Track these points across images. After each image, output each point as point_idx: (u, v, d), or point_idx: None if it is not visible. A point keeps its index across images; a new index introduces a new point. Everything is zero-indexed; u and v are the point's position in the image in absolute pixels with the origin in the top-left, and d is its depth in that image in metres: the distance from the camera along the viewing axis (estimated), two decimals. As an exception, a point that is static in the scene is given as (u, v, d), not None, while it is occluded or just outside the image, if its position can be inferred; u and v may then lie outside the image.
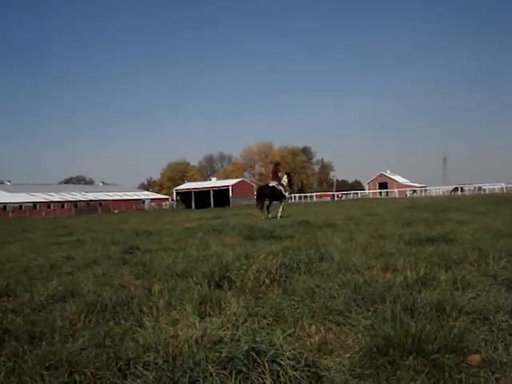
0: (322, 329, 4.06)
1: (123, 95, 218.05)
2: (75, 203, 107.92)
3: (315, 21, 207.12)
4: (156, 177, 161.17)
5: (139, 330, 4.32)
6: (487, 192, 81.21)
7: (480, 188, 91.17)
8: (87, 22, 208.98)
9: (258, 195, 26.60)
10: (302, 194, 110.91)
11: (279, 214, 24.19)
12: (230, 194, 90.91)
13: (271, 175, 27.62)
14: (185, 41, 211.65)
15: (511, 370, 3.14)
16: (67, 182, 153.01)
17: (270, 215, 24.36)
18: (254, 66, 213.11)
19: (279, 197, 25.68)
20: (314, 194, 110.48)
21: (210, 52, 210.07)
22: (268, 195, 25.61)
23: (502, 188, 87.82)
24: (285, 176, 26.94)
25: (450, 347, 3.42)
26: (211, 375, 3.01)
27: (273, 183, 25.84)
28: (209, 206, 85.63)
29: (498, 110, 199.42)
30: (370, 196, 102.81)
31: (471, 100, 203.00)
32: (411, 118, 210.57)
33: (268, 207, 25.36)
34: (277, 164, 29.61)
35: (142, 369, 3.27)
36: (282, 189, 25.83)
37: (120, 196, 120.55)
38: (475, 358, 3.33)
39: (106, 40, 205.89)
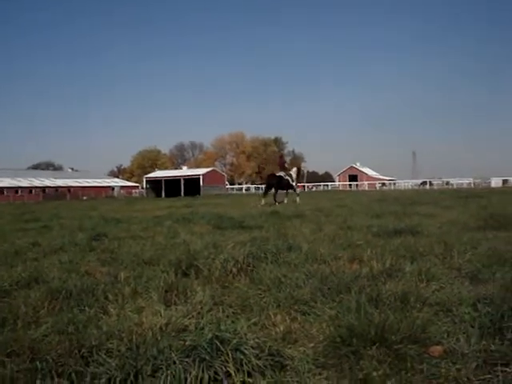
0: (287, 318, 4.07)
1: (94, 81, 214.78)
2: (43, 189, 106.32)
3: (294, 12, 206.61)
4: (126, 164, 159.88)
5: (104, 317, 4.29)
6: (455, 187, 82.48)
7: (448, 182, 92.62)
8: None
9: (267, 184, 29.36)
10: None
11: (297, 202, 26.68)
12: (201, 183, 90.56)
13: (278, 167, 30.18)
14: (158, 29, 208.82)
15: (472, 361, 3.18)
16: (35, 167, 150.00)
17: (277, 202, 26.09)
18: (227, 55, 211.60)
19: (285, 186, 28.37)
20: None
21: (183, 42, 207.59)
22: (274, 184, 28.12)
23: (470, 183, 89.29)
24: (294, 169, 29.72)
25: (413, 338, 3.46)
26: (174, 363, 2.99)
27: (280, 173, 28.39)
28: (179, 194, 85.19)
29: (468, 107, 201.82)
30: (340, 188, 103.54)
31: (441, 96, 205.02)
32: (383, 111, 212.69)
33: (275, 195, 27.65)
34: (281, 156, 32.48)
35: (104, 356, 3.23)
36: (290, 179, 28.35)
37: (89, 183, 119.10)
38: (437, 349, 3.37)
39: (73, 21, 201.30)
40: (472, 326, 3.76)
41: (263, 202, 26.38)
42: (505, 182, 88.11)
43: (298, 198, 27.67)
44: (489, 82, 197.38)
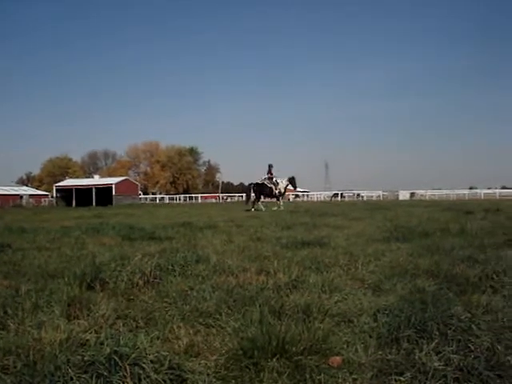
0: (191, 331, 4.05)
1: (4, 86, 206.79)
2: None
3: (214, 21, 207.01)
4: (36, 172, 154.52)
5: (1, 332, 4.11)
6: (365, 199, 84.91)
7: (359, 195, 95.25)
8: None
9: (248, 190, 32.36)
10: (187, 195, 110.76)
11: (280, 207, 29.01)
12: (114, 193, 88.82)
13: (267, 176, 32.16)
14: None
15: (369, 371, 3.27)
16: None
17: (253, 209, 28.67)
18: (142, 65, 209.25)
19: (268, 194, 31.07)
20: (200, 195, 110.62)
21: (95, 49, 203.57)
22: (255, 191, 30.94)
23: (379, 196, 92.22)
24: (285, 179, 31.54)
25: (314, 349, 3.53)
26: (71, 379, 2.92)
27: (263, 181, 31.01)
28: (90, 204, 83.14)
29: (379, 120, 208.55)
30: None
31: (354, 109, 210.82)
32: (296, 123, 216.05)
33: (254, 201, 30.55)
34: (270, 166, 32.57)
35: (0, 373, 3.12)
36: (273, 187, 30.70)
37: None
38: (336, 360, 3.44)
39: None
40: (371, 337, 3.88)
41: (252, 208, 28.56)
42: (412, 194, 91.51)
43: (281, 206, 29.52)
44: (400, 94, 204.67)
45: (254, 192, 31.33)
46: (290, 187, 32.53)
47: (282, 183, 31.01)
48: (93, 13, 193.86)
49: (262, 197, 31.47)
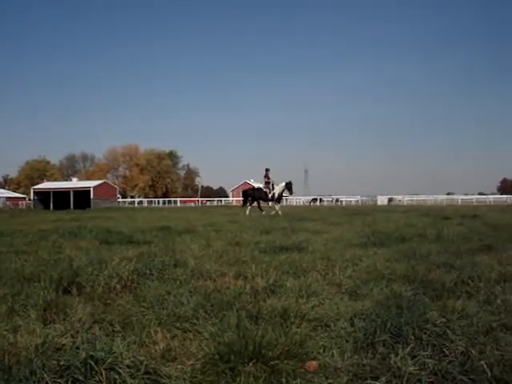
0: (167, 336, 4.04)
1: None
2: None
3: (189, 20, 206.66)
4: (13, 174, 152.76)
5: (-24, 337, 4.07)
6: (344, 204, 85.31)
7: (337, 200, 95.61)
8: None
9: (244, 195, 32.35)
10: (166, 199, 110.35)
11: (277, 213, 28.90)
12: (92, 196, 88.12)
13: (263, 180, 32.03)
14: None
15: (344, 375, 3.30)
16: None
17: (247, 213, 28.62)
18: (123, 68, 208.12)
19: (263, 198, 31.03)
20: (179, 199, 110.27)
21: (75, 52, 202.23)
22: (251, 195, 31.19)
23: (358, 201, 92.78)
24: (282, 183, 31.16)
25: (290, 353, 3.54)
26: (47, 384, 2.91)
27: (259, 185, 31.98)
28: (68, 207, 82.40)
29: (358, 125, 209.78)
30: (234, 203, 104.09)
31: (333, 113, 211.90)
32: (276, 128, 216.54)
33: (258, 205, 30.92)
34: (267, 170, 32.36)
35: (-27, 378, 3.09)
36: (268, 191, 30.75)
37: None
38: (313, 364, 3.46)
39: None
40: (347, 341, 3.91)
41: (247, 212, 28.60)
42: (390, 200, 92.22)
43: (278, 211, 29.49)
44: (379, 99, 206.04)
45: (249, 196, 31.54)
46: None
47: (279, 187, 30.96)
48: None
49: (255, 201, 31.45)
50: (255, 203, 31.28)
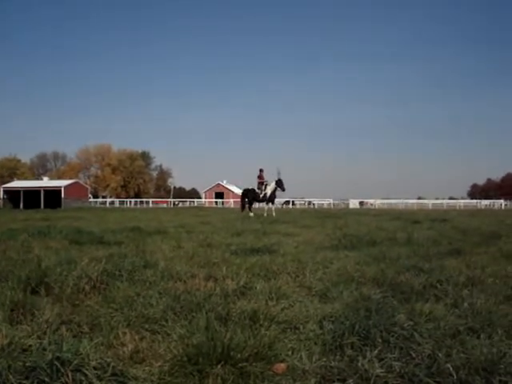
0: (136, 337, 4.01)
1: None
2: None
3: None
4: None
5: None
6: (316, 207, 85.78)
7: (310, 202, 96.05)
8: None
9: (242, 197, 33.34)
10: (138, 200, 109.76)
11: (267, 214, 29.89)
12: (63, 196, 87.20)
13: (257, 181, 32.80)
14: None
15: (312, 378, 3.31)
16: None
17: (251, 213, 29.18)
18: (96, 63, 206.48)
19: (256, 199, 32.00)
20: (151, 199, 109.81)
21: (47, 51, 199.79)
22: (248, 196, 32.04)
23: (330, 203, 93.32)
24: (272, 184, 31.63)
25: (259, 355, 3.54)
26: (12, 385, 2.87)
27: (254, 187, 32.04)
28: (39, 206, 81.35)
29: (330, 129, 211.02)
30: (207, 205, 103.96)
31: (305, 116, 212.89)
32: (248, 129, 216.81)
33: (249, 207, 31.68)
34: (261, 170, 33.04)
35: None
36: (260, 192, 31.59)
37: None
38: (281, 366, 3.47)
39: None
40: (316, 343, 3.93)
41: (251, 214, 28.98)
42: (361, 203, 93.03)
43: (271, 212, 30.40)
44: (352, 106, 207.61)
45: (245, 198, 32.32)
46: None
47: (270, 187, 31.19)
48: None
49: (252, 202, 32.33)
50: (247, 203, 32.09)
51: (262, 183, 31.81)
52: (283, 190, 31.97)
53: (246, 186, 32.55)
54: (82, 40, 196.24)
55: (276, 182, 31.25)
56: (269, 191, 31.13)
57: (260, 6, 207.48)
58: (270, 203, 31.72)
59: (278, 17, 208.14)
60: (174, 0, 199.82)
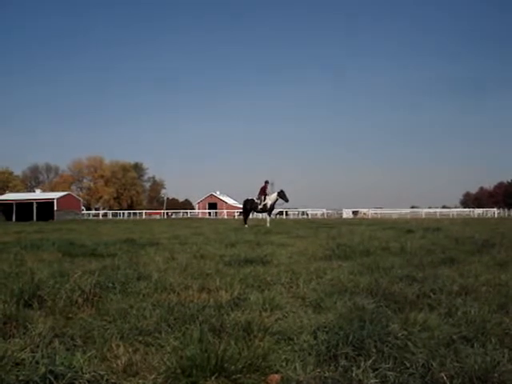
0: (130, 350, 3.99)
1: None
2: None
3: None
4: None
5: None
6: (310, 217, 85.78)
7: (304, 212, 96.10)
8: None
9: (243, 207, 34.30)
10: (132, 211, 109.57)
11: (267, 224, 29.90)
12: (55, 208, 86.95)
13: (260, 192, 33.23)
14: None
15: (306, 388, 3.31)
16: None
17: (246, 225, 29.91)
18: (85, 77, 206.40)
19: (255, 209, 32.89)
20: (144, 211, 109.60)
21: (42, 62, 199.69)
22: (247, 207, 33.21)
23: (323, 213, 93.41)
24: (273, 194, 32.11)
25: (253, 367, 3.54)
26: (5, 400, 2.85)
27: (254, 198, 32.70)
28: (31, 219, 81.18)
29: (322, 140, 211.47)
30: (200, 216, 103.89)
31: (297, 126, 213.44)
32: (242, 141, 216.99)
33: (247, 217, 33.32)
34: (266, 182, 33.37)
35: None
36: (259, 202, 32.15)
37: None
38: (275, 378, 3.46)
39: None
40: (310, 354, 3.92)
41: (246, 225, 29.44)
42: (355, 213, 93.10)
43: (267, 222, 30.80)
44: (344, 115, 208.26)
45: (246, 208, 33.23)
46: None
47: (271, 198, 31.53)
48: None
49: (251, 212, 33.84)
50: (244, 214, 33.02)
51: (262, 193, 31.90)
52: (286, 200, 32.21)
53: (239, 197, 33.10)
54: (73, 52, 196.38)
55: (278, 193, 31.49)
56: (269, 202, 31.26)
57: (254, 16, 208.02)
58: (269, 214, 32.05)
59: (265, 29, 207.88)
60: (161, 19, 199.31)
